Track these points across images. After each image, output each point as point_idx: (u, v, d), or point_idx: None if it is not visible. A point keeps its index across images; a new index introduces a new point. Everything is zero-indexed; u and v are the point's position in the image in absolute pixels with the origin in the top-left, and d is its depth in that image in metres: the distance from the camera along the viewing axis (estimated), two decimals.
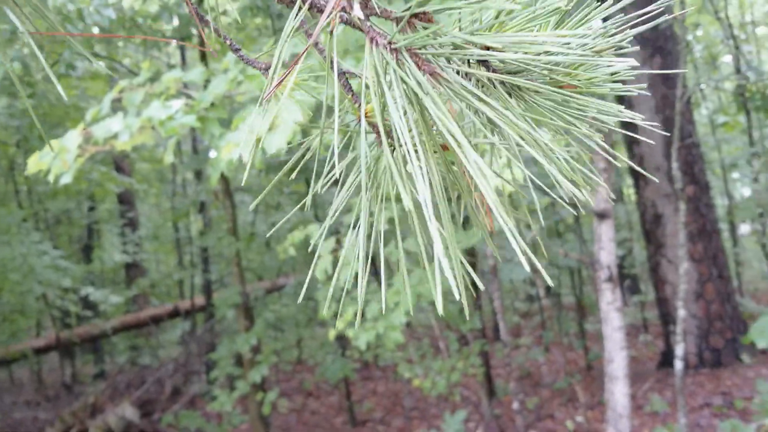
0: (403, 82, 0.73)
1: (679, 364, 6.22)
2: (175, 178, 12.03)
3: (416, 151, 0.68)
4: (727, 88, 12.41)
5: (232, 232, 8.13)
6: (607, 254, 5.20)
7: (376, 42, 0.77)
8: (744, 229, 16.30)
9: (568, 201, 0.82)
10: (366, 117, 0.92)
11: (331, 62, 0.80)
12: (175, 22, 7.10)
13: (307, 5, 0.82)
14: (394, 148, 0.76)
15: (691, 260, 8.63)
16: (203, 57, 7.41)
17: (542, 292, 8.63)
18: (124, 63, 10.04)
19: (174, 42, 1.28)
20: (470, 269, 0.75)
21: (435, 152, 0.75)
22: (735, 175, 13.87)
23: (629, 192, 12.99)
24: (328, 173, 0.91)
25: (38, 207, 11.10)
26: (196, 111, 3.90)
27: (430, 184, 0.69)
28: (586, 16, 0.92)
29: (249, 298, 8.09)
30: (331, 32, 0.79)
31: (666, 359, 9.25)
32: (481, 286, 0.76)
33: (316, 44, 0.95)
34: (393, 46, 0.76)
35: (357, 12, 0.78)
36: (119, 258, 10.67)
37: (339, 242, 5.16)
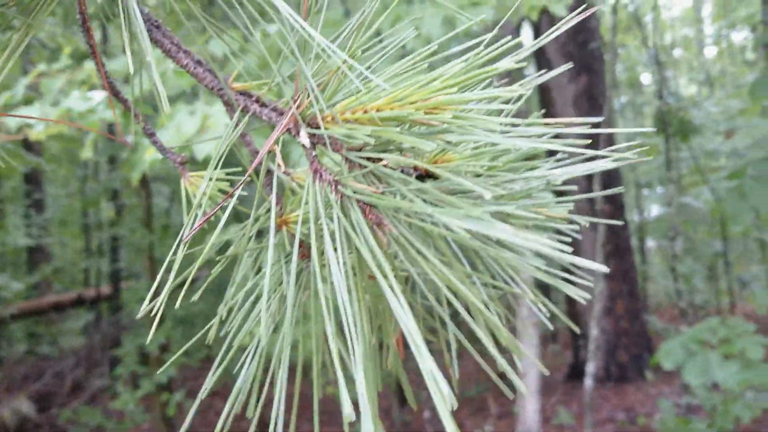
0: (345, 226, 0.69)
1: (589, 382, 6.33)
2: (87, 161, 11.51)
3: (349, 291, 0.65)
4: (647, 110, 12.80)
5: (146, 224, 7.83)
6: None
7: (320, 175, 0.72)
8: (650, 243, 16.87)
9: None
10: (286, 225, 0.90)
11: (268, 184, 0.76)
12: None
13: (247, 118, 0.76)
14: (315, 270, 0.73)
15: (604, 277, 8.82)
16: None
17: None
18: (40, 37, 9.52)
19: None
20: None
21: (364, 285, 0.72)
22: (645, 192, 14.32)
23: None
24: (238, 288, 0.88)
25: None
26: (119, 105, 3.67)
27: (360, 321, 0.66)
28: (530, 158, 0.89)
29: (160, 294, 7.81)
30: (270, 152, 0.75)
31: (574, 371, 9.44)
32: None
33: (243, 135, 0.89)
34: (339, 188, 0.71)
35: (303, 140, 0.73)
36: (23, 242, 10.13)
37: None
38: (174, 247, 0.77)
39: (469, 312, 0.72)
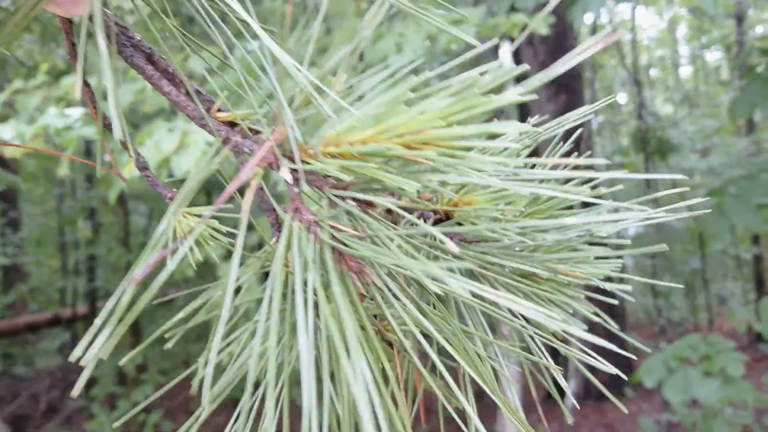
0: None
1: (570, 401, 6.33)
2: (63, 179, 11.38)
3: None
4: (623, 129, 12.93)
5: (123, 242, 7.74)
6: None
7: (300, 215, 0.65)
8: (629, 261, 16.96)
9: None
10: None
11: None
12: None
13: (225, 150, 0.68)
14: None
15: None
16: None
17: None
18: (17, 54, 9.43)
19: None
20: None
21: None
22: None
23: None
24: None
25: None
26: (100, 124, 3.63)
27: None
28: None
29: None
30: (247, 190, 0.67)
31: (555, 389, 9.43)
32: None
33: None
34: (319, 233, 0.64)
35: (284, 174, 0.66)
36: None
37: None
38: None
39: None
